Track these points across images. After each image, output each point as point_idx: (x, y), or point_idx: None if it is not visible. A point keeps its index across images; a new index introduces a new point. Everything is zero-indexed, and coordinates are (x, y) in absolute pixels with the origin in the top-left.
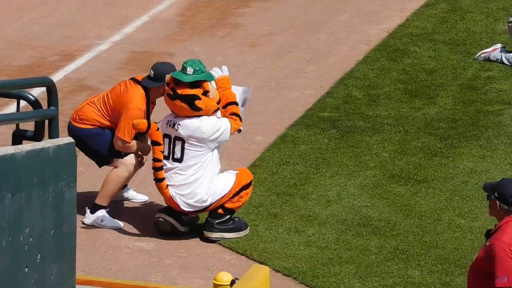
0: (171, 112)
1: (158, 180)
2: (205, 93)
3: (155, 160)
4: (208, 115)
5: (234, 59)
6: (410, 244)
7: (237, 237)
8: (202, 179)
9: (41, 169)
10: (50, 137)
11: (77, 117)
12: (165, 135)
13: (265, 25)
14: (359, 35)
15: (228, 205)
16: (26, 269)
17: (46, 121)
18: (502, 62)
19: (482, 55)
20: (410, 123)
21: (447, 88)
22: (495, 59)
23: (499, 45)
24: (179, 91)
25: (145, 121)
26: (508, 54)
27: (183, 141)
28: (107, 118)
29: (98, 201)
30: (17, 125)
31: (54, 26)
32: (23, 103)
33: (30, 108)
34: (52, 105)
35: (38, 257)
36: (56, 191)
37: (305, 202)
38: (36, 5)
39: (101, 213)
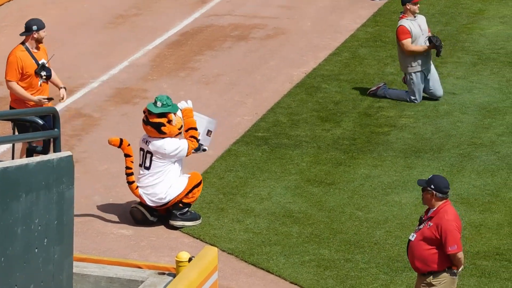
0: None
1: (129, 183)
2: (169, 121)
3: (127, 168)
4: (171, 137)
5: (192, 94)
6: (321, 230)
7: (193, 225)
8: (162, 183)
9: (47, 175)
10: (54, 151)
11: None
12: (141, 149)
13: (215, 68)
14: (284, 76)
15: (185, 200)
16: (36, 250)
17: (52, 140)
18: (385, 97)
19: (371, 93)
20: (322, 140)
21: (349, 115)
22: (380, 96)
23: (381, 84)
24: (150, 119)
25: (117, 138)
26: (389, 90)
27: (151, 154)
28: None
29: None
30: (30, 143)
31: (58, 69)
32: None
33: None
34: (56, 127)
35: (45, 241)
36: (58, 191)
37: (244, 199)
38: None
39: None
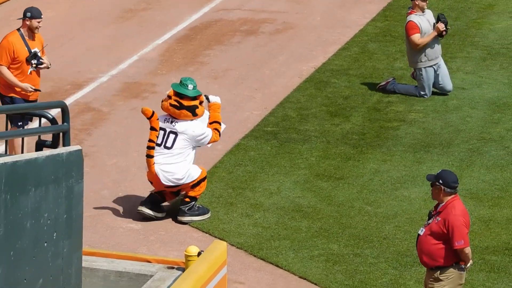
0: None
1: (149, 156)
2: (201, 103)
3: (150, 141)
4: (199, 119)
5: (201, 89)
6: (330, 225)
7: (202, 220)
8: (181, 164)
9: (56, 170)
10: (64, 145)
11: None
12: (161, 128)
13: (224, 63)
14: (293, 70)
15: (191, 193)
16: (45, 244)
17: (61, 134)
18: (395, 92)
19: (380, 87)
20: (331, 135)
21: (358, 110)
22: (389, 91)
23: (390, 79)
24: (185, 103)
25: (150, 110)
26: (398, 85)
27: (176, 134)
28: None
29: None
30: (39, 137)
31: (67, 64)
32: (44, 120)
33: (49, 124)
34: (65, 121)
35: (54, 235)
36: (67, 186)
37: (253, 194)
38: (52, 48)
39: None
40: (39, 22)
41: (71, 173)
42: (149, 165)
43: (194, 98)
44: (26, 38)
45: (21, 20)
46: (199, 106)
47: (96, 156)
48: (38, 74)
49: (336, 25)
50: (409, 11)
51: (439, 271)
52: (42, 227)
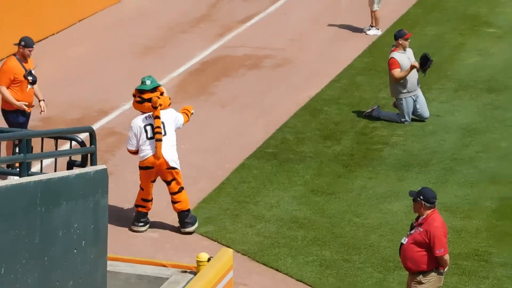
0: (142, 113)
1: (158, 140)
2: (161, 94)
3: (157, 127)
4: (166, 109)
5: (211, 115)
6: (323, 234)
7: (196, 226)
8: (175, 147)
9: (85, 186)
10: (91, 165)
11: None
12: (147, 125)
13: (231, 93)
14: (291, 100)
15: (185, 207)
16: (75, 251)
17: (89, 155)
18: (379, 118)
19: (366, 114)
20: (324, 156)
21: (347, 134)
22: (374, 117)
23: (375, 106)
24: (145, 96)
25: (158, 101)
26: (382, 113)
27: (163, 123)
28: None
29: None
30: (70, 157)
31: (95, 93)
32: (74, 142)
33: (78, 146)
34: (93, 144)
35: (83, 243)
36: (94, 200)
37: (256, 207)
38: (83, 81)
39: None
40: (30, 51)
41: (98, 189)
42: (159, 148)
43: (153, 91)
44: (22, 61)
45: (16, 45)
46: (161, 97)
47: (119, 174)
48: (31, 92)
49: (328, 60)
50: (393, 49)
51: (421, 275)
52: (72, 236)
